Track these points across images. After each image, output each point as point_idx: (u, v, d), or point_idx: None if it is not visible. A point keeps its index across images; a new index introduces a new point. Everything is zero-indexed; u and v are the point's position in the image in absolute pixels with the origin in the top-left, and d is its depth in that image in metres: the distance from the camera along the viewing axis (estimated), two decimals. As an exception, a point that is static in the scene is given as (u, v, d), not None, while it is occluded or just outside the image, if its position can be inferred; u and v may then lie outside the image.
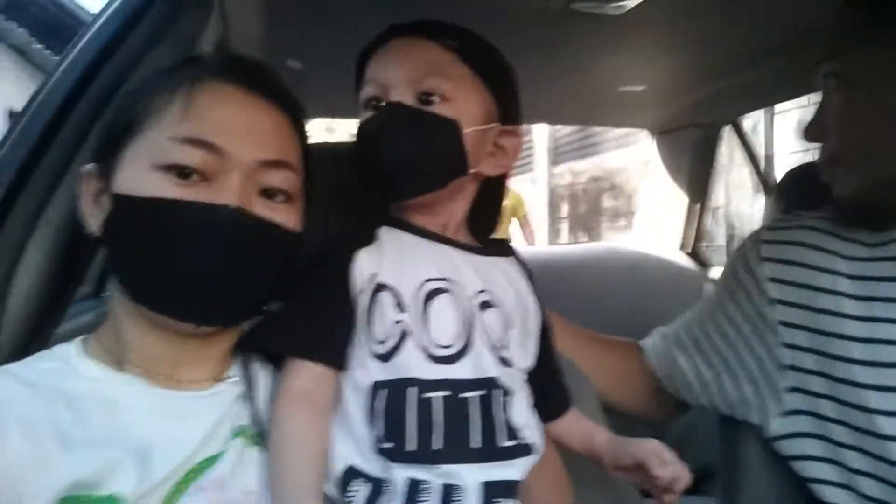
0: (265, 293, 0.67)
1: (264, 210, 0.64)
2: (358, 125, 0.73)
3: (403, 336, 0.66)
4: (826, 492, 0.85)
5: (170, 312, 0.62)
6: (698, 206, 2.00)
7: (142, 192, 0.61)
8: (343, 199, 0.78)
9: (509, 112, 0.76)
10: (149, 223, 0.61)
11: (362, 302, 0.67)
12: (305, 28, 1.23)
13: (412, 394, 0.65)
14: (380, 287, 0.67)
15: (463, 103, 0.71)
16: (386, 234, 0.72)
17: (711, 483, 1.11)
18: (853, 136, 0.81)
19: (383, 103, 0.71)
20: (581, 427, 0.80)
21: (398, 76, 0.70)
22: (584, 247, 2.07)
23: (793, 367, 0.88)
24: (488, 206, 0.79)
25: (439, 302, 0.68)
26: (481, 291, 0.71)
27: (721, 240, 3.70)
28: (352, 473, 0.65)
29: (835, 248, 0.86)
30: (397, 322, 0.66)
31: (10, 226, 0.72)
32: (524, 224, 5.03)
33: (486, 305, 0.71)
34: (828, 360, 0.84)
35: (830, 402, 0.84)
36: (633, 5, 1.09)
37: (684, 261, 1.97)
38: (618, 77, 1.59)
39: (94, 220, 0.65)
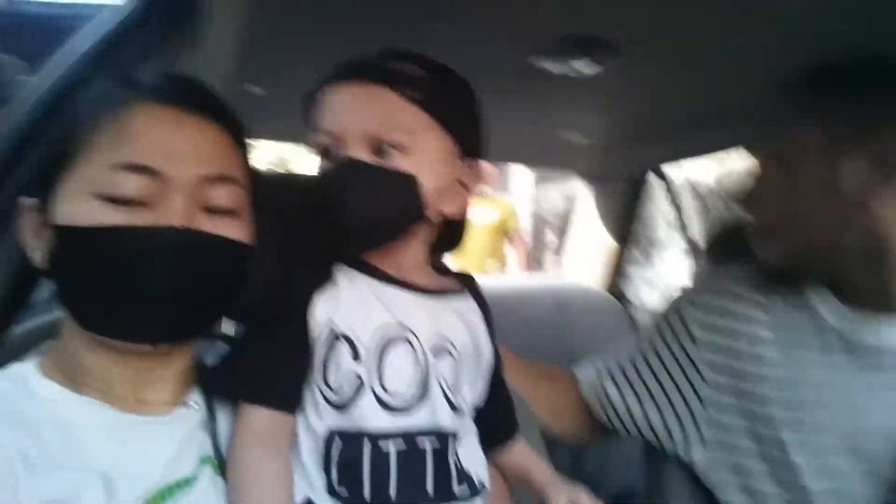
0: (218, 306, 0.68)
1: (211, 225, 0.63)
2: (317, 175, 0.71)
3: (359, 387, 0.67)
4: None
5: (124, 336, 0.62)
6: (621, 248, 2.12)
7: (84, 221, 0.60)
8: (299, 231, 0.78)
9: (470, 147, 0.74)
10: (94, 252, 0.60)
11: (319, 349, 0.68)
12: (267, 55, 1.25)
13: (367, 445, 0.66)
14: (335, 335, 0.67)
15: (422, 152, 0.69)
16: (342, 277, 0.71)
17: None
18: (785, 210, 0.89)
19: (340, 153, 0.69)
20: (522, 461, 0.82)
21: (352, 128, 0.68)
22: (519, 278, 2.15)
23: (713, 404, 0.97)
24: (451, 233, 0.80)
25: (395, 351, 0.69)
26: (435, 338, 0.71)
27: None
28: None
29: (756, 298, 0.96)
30: (353, 373, 0.67)
31: None
32: (516, 241, 4.28)
33: (439, 352, 0.71)
34: (746, 400, 0.93)
35: (748, 438, 0.93)
36: (589, 72, 1.18)
37: (608, 297, 2.07)
38: (558, 125, 1.69)
39: (37, 252, 0.64)
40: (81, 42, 0.81)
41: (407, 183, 0.68)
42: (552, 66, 1.17)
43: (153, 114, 0.63)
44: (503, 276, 3.55)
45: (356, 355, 0.67)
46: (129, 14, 0.80)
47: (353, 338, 0.67)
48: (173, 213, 0.61)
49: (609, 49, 1.09)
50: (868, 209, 0.83)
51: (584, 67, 1.14)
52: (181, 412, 0.68)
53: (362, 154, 0.68)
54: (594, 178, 2.13)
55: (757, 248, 0.96)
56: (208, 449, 0.66)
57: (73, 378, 0.64)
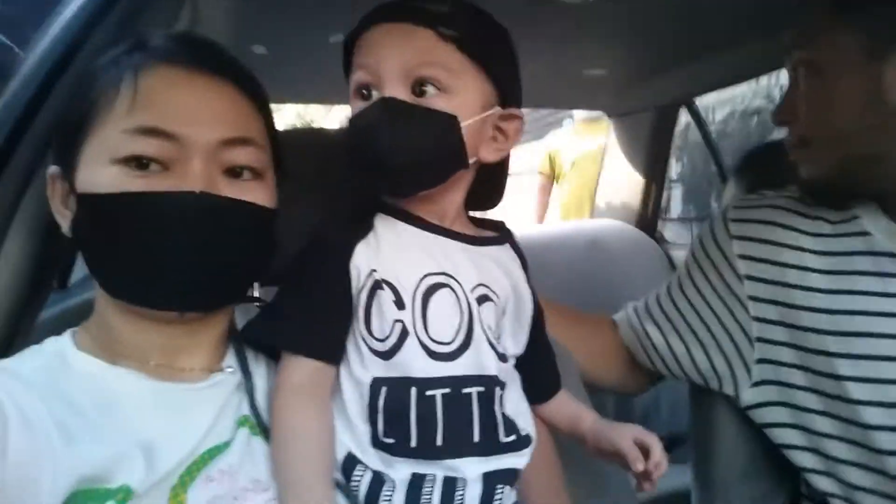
0: (245, 273, 0.67)
1: (231, 189, 0.63)
2: (350, 118, 0.70)
3: (403, 334, 0.65)
4: (796, 456, 0.91)
5: (151, 304, 0.62)
6: (654, 185, 2.06)
7: (103, 188, 0.60)
8: (334, 185, 0.77)
9: (510, 95, 0.72)
10: (115, 219, 0.60)
11: (361, 299, 0.66)
12: (270, 14, 1.22)
13: (413, 392, 0.65)
14: (378, 284, 0.66)
15: (461, 93, 0.67)
16: (382, 225, 0.70)
17: (679, 451, 1.17)
18: (821, 120, 0.85)
19: (375, 93, 0.67)
20: (568, 410, 0.81)
21: (390, 65, 0.66)
22: (550, 226, 2.11)
23: (762, 340, 0.92)
24: (490, 187, 0.78)
25: (439, 298, 0.67)
26: (478, 285, 0.70)
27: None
28: (352, 460, 0.65)
29: (800, 225, 0.91)
30: (397, 321, 0.66)
31: None
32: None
33: (483, 300, 0.70)
34: (797, 332, 0.89)
35: (800, 372, 0.89)
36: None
37: (644, 236, 2.02)
38: (579, 61, 1.62)
39: (64, 221, 0.64)
40: (68, 9, 0.78)
41: (447, 123, 0.66)
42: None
43: (169, 77, 0.62)
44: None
45: (400, 302, 0.66)
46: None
47: (396, 285, 0.66)
48: (192, 177, 0.60)
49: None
50: None
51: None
52: (217, 377, 0.67)
53: (400, 93, 0.66)
54: (622, 114, 2.06)
55: (797, 163, 0.90)
56: (245, 410, 0.66)
57: (109, 350, 0.64)
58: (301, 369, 0.65)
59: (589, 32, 1.37)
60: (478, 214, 0.80)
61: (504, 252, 0.77)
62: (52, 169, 0.65)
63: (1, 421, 0.55)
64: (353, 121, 0.69)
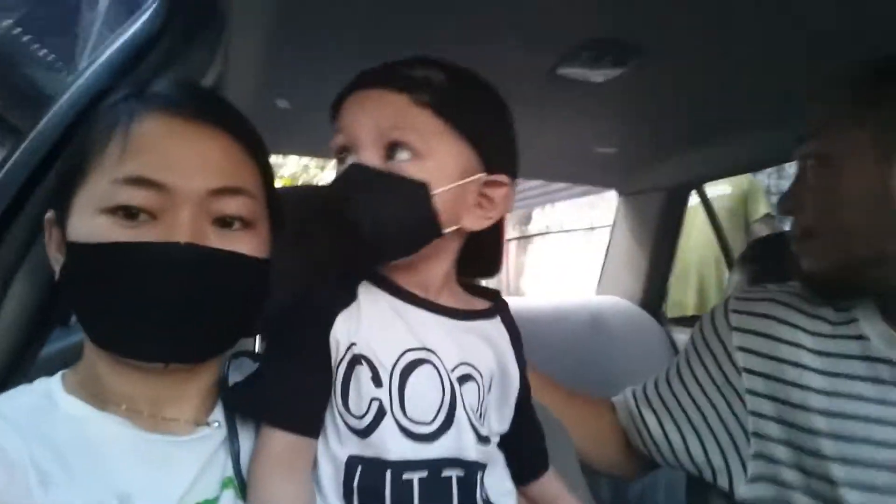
0: (233, 324, 0.65)
1: (220, 240, 0.61)
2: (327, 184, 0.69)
3: (380, 413, 0.63)
4: None
5: (135, 355, 0.61)
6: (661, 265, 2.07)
7: (91, 238, 0.59)
8: (318, 244, 0.76)
9: (496, 160, 0.69)
10: (101, 269, 0.59)
11: (339, 372, 0.64)
12: (295, 70, 1.26)
13: (388, 475, 0.63)
14: (356, 359, 0.64)
15: (435, 158, 0.65)
16: (364, 295, 0.68)
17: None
18: (827, 213, 0.84)
19: (351, 158, 0.66)
20: (552, 493, 0.78)
21: (364, 129, 0.65)
22: (552, 299, 2.11)
23: (758, 435, 0.90)
24: (484, 256, 0.75)
25: (418, 376, 0.65)
26: (461, 364, 0.68)
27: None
28: None
29: (800, 322, 0.90)
30: (374, 399, 0.63)
31: (1, 254, 0.71)
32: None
33: (465, 379, 0.68)
34: (793, 431, 0.87)
35: (795, 472, 0.87)
36: (614, 76, 1.15)
37: (647, 316, 2.01)
38: (591, 139, 1.66)
39: (57, 267, 0.63)
40: (106, 52, 0.81)
41: (416, 190, 0.64)
42: (581, 74, 1.14)
43: (160, 125, 0.62)
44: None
45: (377, 379, 0.64)
46: (150, 24, 0.80)
47: (374, 360, 0.64)
48: (179, 227, 0.59)
49: (639, 54, 1.07)
50: None
51: (613, 75, 1.11)
52: (203, 431, 0.65)
53: (374, 158, 0.65)
54: (631, 192, 2.09)
55: (799, 256, 0.90)
56: (229, 472, 0.64)
57: (96, 395, 0.63)
58: (280, 441, 0.63)
59: (602, 111, 1.40)
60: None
61: (493, 326, 0.74)
62: (49, 214, 0.65)
63: None
64: (328, 187, 0.68)
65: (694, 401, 0.97)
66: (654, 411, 1.00)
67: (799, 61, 1.02)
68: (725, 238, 2.04)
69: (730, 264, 1.99)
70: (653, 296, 2.06)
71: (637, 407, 1.03)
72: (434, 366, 0.66)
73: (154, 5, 0.82)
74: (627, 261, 2.12)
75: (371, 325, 0.66)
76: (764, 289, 0.99)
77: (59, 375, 0.65)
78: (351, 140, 0.67)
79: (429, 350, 0.66)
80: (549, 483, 0.79)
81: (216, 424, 0.66)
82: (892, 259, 0.80)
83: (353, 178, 0.65)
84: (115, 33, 0.83)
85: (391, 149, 0.65)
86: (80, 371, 0.65)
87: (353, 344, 0.64)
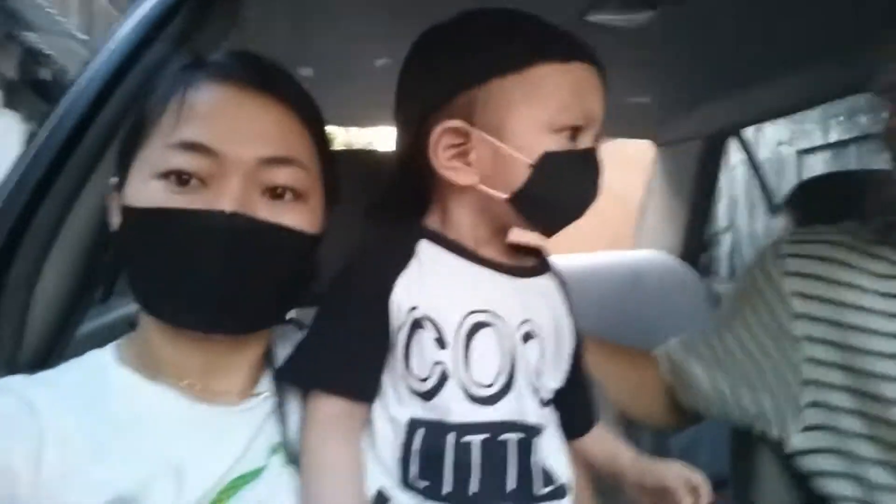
0: (278, 297, 0.66)
1: (269, 211, 0.61)
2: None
3: (444, 376, 0.63)
4: None
5: (177, 322, 0.62)
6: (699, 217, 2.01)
7: (144, 202, 0.60)
8: (375, 205, 0.76)
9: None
10: (148, 234, 0.60)
11: (401, 337, 0.64)
12: (317, 37, 1.24)
13: (451, 438, 0.63)
14: (418, 322, 0.64)
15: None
16: (425, 253, 0.67)
17: (720, 494, 1.12)
18: None
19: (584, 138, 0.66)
20: (606, 445, 0.78)
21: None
22: (590, 256, 2.07)
23: (815, 383, 0.88)
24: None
25: (482, 338, 0.65)
26: (524, 322, 0.68)
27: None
28: (383, 498, 0.63)
29: (861, 263, 0.87)
30: (437, 362, 0.63)
31: (34, 232, 0.72)
32: None
33: (528, 337, 0.68)
34: (855, 376, 0.84)
35: (855, 418, 0.84)
36: (644, 20, 1.11)
37: (687, 269, 1.97)
38: (625, 88, 1.61)
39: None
40: (124, 25, 0.81)
41: None
42: (611, 20, 1.09)
43: (216, 94, 0.62)
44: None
45: (441, 341, 0.63)
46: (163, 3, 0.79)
47: (438, 323, 0.64)
48: (228, 195, 0.59)
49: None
50: None
51: (644, 19, 1.07)
52: (253, 402, 0.66)
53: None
54: (666, 142, 2.03)
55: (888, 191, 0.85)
56: (279, 438, 0.65)
57: (148, 366, 0.64)
58: (332, 406, 0.63)
59: (634, 59, 1.35)
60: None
61: (548, 282, 0.74)
62: (112, 180, 0.66)
63: (38, 435, 0.55)
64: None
65: (745, 348, 0.94)
66: (702, 360, 0.98)
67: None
68: (767, 183, 1.97)
69: (772, 210, 1.93)
70: (692, 248, 2.01)
71: (683, 357, 1.01)
72: (497, 328, 0.66)
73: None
74: (665, 213, 2.08)
75: (434, 286, 0.65)
76: (817, 231, 0.95)
77: (111, 346, 0.66)
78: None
79: (492, 312, 0.66)
80: (602, 438, 0.78)
81: (265, 394, 0.67)
82: None
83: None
84: (134, 5, 0.82)
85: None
86: (133, 341, 0.67)
87: (414, 307, 0.64)
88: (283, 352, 0.69)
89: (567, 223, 0.69)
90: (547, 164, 0.63)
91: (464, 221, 0.69)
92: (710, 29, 1.20)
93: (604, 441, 0.78)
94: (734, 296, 0.99)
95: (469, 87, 0.65)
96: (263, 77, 0.65)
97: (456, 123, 0.65)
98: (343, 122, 2.06)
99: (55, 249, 0.73)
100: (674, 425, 1.09)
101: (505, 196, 0.65)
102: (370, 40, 1.22)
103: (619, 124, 1.98)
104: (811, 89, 1.47)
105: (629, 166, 2.29)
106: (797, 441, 0.90)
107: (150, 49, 0.80)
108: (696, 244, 2.02)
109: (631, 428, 0.98)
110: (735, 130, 1.92)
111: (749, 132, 1.96)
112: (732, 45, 1.29)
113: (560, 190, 0.65)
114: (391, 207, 0.74)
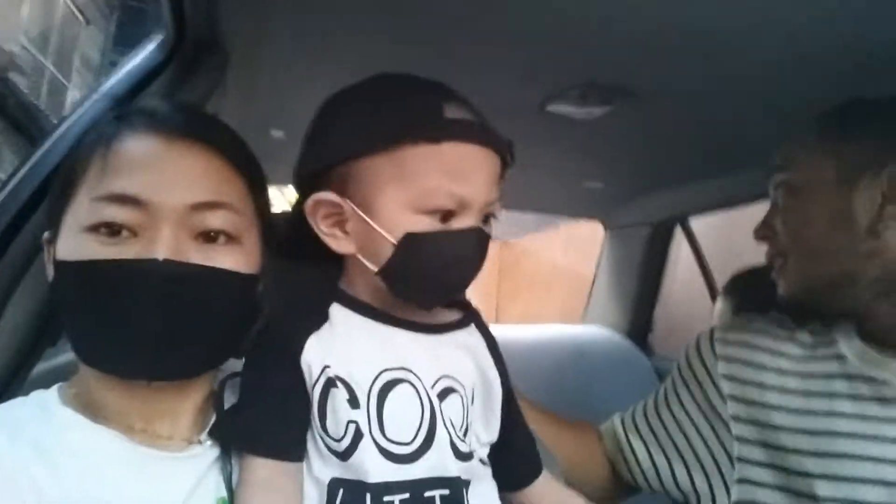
0: (220, 340, 0.65)
1: (203, 255, 0.61)
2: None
3: (358, 435, 0.62)
4: None
5: (118, 372, 0.61)
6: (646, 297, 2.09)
7: (75, 255, 0.59)
8: (290, 267, 0.76)
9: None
10: (83, 286, 0.59)
11: (315, 395, 0.64)
12: (289, 100, 1.28)
13: (368, 498, 0.62)
14: (331, 381, 0.63)
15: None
16: (337, 314, 0.67)
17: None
18: (797, 237, 0.90)
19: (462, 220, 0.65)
20: (554, 496, 0.77)
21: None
22: (538, 327, 2.12)
23: (742, 460, 0.92)
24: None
25: (396, 395, 0.64)
26: (441, 377, 0.67)
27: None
28: None
29: (780, 347, 0.93)
30: (351, 421, 0.63)
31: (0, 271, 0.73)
32: None
33: (446, 393, 0.67)
34: (777, 453, 0.89)
35: (779, 493, 0.89)
36: (600, 113, 1.19)
37: (632, 347, 2.03)
38: (580, 173, 1.69)
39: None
40: (107, 89, 0.84)
41: None
42: (570, 112, 1.18)
43: (140, 142, 0.62)
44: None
45: (354, 401, 0.63)
46: (155, 54, 0.83)
47: (350, 382, 0.64)
48: (160, 243, 0.59)
49: (627, 94, 1.10)
50: (881, 239, 0.83)
51: (601, 112, 1.15)
52: (196, 449, 0.65)
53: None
54: (617, 226, 2.12)
55: (776, 279, 0.94)
56: (223, 492, 0.64)
57: (91, 408, 0.63)
58: (262, 468, 0.63)
59: (589, 146, 1.44)
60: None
61: (469, 335, 0.73)
62: (46, 235, 0.65)
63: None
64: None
65: (680, 427, 0.99)
66: (642, 437, 1.02)
67: (781, 104, 1.06)
68: (709, 270, 2.07)
69: (713, 297, 2.02)
70: (639, 327, 2.08)
71: (624, 433, 1.05)
72: (412, 384, 0.65)
73: (160, 36, 0.85)
74: (614, 292, 2.15)
75: (345, 346, 0.65)
76: (747, 319, 1.02)
77: (55, 388, 0.66)
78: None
79: (406, 369, 0.66)
80: (550, 486, 0.77)
81: (208, 443, 0.66)
82: (862, 279, 0.85)
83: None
84: (121, 62, 0.85)
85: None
86: (74, 385, 0.66)
87: (326, 366, 0.64)
88: (231, 399, 0.68)
89: (441, 299, 0.70)
90: (409, 245, 0.63)
91: (363, 285, 0.69)
92: (663, 125, 1.29)
93: (552, 492, 0.77)
94: (672, 376, 1.05)
95: (343, 162, 0.65)
96: (188, 123, 0.65)
97: (328, 196, 0.65)
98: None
99: (18, 293, 0.73)
100: (614, 498, 1.12)
101: (375, 269, 0.65)
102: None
103: (572, 206, 2.07)
104: (749, 186, 1.58)
105: (584, 245, 2.37)
106: None
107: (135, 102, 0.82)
108: (642, 323, 2.09)
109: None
110: (682, 218, 2.03)
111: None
112: (682, 140, 1.39)
113: (425, 269, 0.65)
114: (309, 266, 0.72)
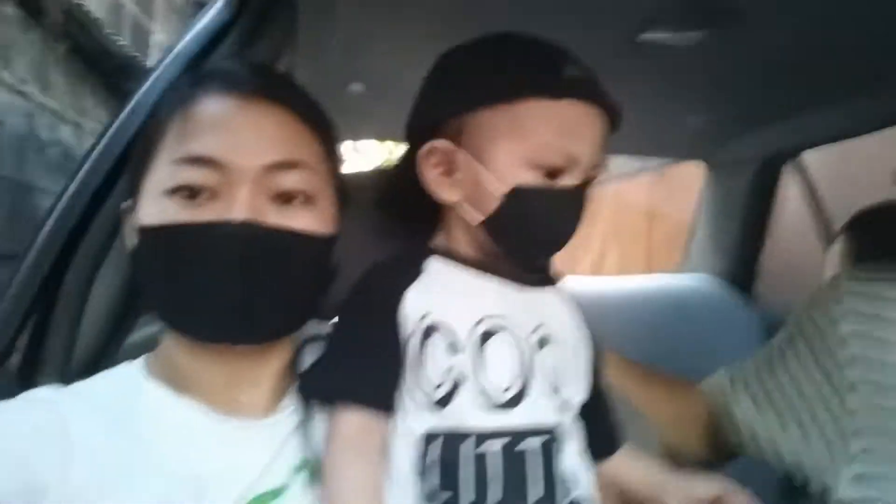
0: (298, 303, 0.65)
1: (280, 217, 0.61)
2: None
3: (458, 381, 0.63)
4: None
5: (199, 336, 0.62)
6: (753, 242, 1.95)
7: (156, 220, 0.60)
8: (385, 224, 0.77)
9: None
10: (163, 251, 0.60)
11: (413, 345, 0.64)
12: (366, 54, 1.26)
13: (468, 445, 0.62)
14: (431, 329, 0.64)
15: None
16: (434, 267, 0.69)
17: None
18: None
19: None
20: (637, 465, 0.76)
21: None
22: (634, 279, 2.03)
23: (868, 429, 0.84)
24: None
25: (496, 343, 0.65)
26: (538, 327, 0.68)
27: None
28: None
29: None
30: (451, 368, 0.64)
31: (86, 247, 0.74)
32: None
33: (544, 342, 0.68)
34: None
35: None
36: (700, 38, 1.08)
37: (737, 297, 1.91)
38: (678, 108, 1.58)
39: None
40: (179, 50, 0.82)
41: None
42: (667, 39, 1.07)
43: (216, 104, 0.62)
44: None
45: (454, 347, 0.64)
46: (221, 14, 0.81)
47: (451, 328, 0.65)
48: (237, 205, 0.59)
49: (731, 15, 0.99)
50: None
51: (701, 37, 1.04)
52: (278, 416, 0.66)
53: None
54: (720, 164, 1.97)
55: None
56: (303, 455, 0.65)
57: (175, 380, 0.64)
58: (352, 420, 0.63)
59: (688, 79, 1.33)
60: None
61: (555, 295, 0.75)
62: (125, 203, 0.66)
63: (69, 449, 0.56)
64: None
65: (797, 387, 0.91)
66: (751, 396, 0.95)
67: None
68: (825, 211, 1.90)
69: (829, 239, 1.86)
70: (744, 274, 1.94)
71: (732, 389, 0.97)
72: (511, 331, 0.66)
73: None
74: (716, 238, 2.01)
75: (445, 294, 0.66)
76: (876, 268, 0.91)
77: (142, 359, 0.67)
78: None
79: (504, 317, 0.67)
80: (632, 459, 0.77)
81: (290, 409, 0.67)
82: None
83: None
84: (189, 25, 0.84)
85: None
86: (160, 355, 0.67)
87: (425, 315, 0.65)
88: (309, 361, 0.69)
89: (539, 257, 0.73)
90: (516, 198, 0.65)
91: (463, 237, 0.71)
92: (768, 51, 1.16)
93: (634, 462, 0.76)
94: (789, 330, 0.96)
95: (460, 113, 0.67)
96: (262, 84, 0.65)
97: (442, 143, 0.68)
98: (393, 137, 2.07)
99: (105, 265, 0.74)
100: (712, 459, 1.05)
101: (479, 219, 0.68)
102: (421, 58, 1.23)
103: (672, 145, 1.94)
104: (867, 116, 1.41)
105: (680, 189, 2.24)
106: (847, 494, 0.85)
107: (207, 62, 0.81)
108: (748, 270, 1.95)
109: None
110: (792, 155, 1.86)
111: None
112: (790, 68, 1.26)
113: (528, 224, 0.66)
114: (401, 225, 0.75)
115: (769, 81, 1.36)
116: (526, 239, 0.68)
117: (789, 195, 1.99)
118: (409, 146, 0.72)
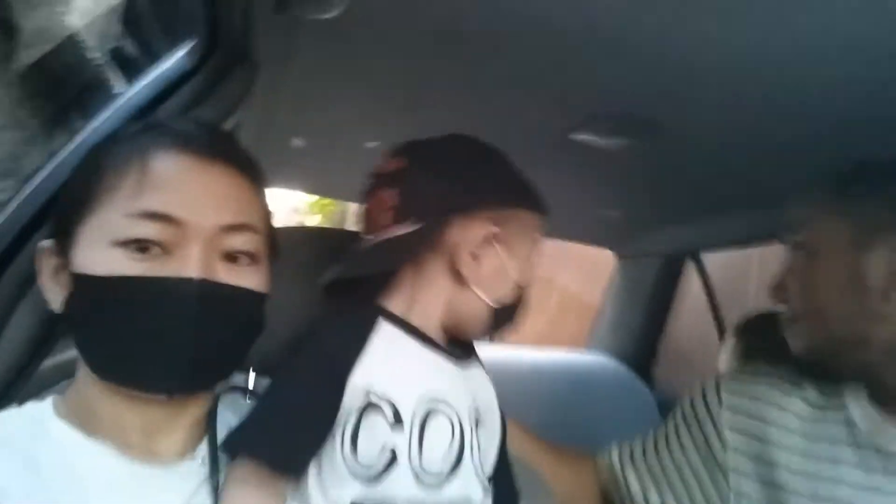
0: (234, 356, 0.67)
1: (229, 275, 0.62)
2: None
3: (394, 458, 0.63)
4: None
5: (142, 387, 0.61)
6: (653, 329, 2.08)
7: (101, 270, 0.59)
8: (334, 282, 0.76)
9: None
10: (112, 302, 0.59)
11: (351, 418, 0.64)
12: (312, 111, 1.29)
13: None
14: (372, 404, 0.64)
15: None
16: (383, 331, 0.68)
17: None
18: (811, 298, 0.89)
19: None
20: None
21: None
22: (540, 352, 2.10)
23: None
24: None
25: (436, 422, 0.65)
26: (472, 407, 0.69)
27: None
28: None
29: (789, 405, 0.92)
30: (389, 445, 0.63)
31: (8, 280, 0.72)
32: None
33: (478, 423, 0.69)
34: None
35: None
36: (625, 144, 1.19)
37: (635, 379, 2.01)
38: (596, 200, 1.69)
39: (53, 296, 0.64)
40: (136, 93, 0.83)
41: None
42: (595, 142, 1.17)
43: (175, 161, 0.63)
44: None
45: (395, 426, 0.64)
46: (182, 62, 0.82)
47: (393, 406, 0.64)
48: (192, 263, 0.60)
49: (651, 127, 1.10)
50: (893, 303, 0.82)
51: (624, 144, 1.14)
52: (189, 465, 0.65)
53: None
54: (628, 255, 2.11)
55: (790, 338, 0.93)
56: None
57: (87, 422, 0.63)
58: (257, 474, 0.62)
59: (609, 175, 1.44)
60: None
61: (479, 368, 0.76)
62: (46, 243, 0.65)
63: None
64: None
65: (678, 470, 0.98)
66: (638, 475, 1.02)
67: (802, 152, 1.06)
68: (718, 307, 2.05)
69: (721, 334, 2.00)
70: (644, 357, 2.06)
71: (621, 467, 1.04)
72: (449, 414, 0.67)
73: (191, 44, 0.84)
74: (621, 321, 2.13)
75: (393, 368, 0.66)
76: (755, 369, 1.01)
77: (49, 399, 0.65)
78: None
79: (445, 398, 0.67)
80: None
81: (202, 458, 0.66)
82: (874, 343, 0.84)
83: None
84: (150, 69, 0.84)
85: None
86: (71, 397, 0.65)
87: (371, 388, 0.64)
88: (227, 416, 0.69)
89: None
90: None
91: (434, 312, 0.71)
92: (684, 160, 1.28)
93: None
94: (675, 417, 1.03)
95: (506, 206, 0.73)
96: (218, 144, 0.66)
97: (494, 230, 0.71)
98: (327, 193, 2.09)
99: (24, 301, 0.72)
100: None
101: (490, 303, 0.71)
102: (363, 122, 1.27)
103: (586, 231, 2.06)
104: (764, 226, 1.57)
105: (591, 271, 2.35)
106: None
107: (163, 108, 0.82)
108: (648, 354, 2.07)
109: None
110: (694, 254, 2.01)
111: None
112: (702, 176, 1.38)
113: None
114: (351, 285, 0.74)
115: (679, 187, 1.50)
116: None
117: (690, 289, 2.13)
118: (428, 225, 0.70)
